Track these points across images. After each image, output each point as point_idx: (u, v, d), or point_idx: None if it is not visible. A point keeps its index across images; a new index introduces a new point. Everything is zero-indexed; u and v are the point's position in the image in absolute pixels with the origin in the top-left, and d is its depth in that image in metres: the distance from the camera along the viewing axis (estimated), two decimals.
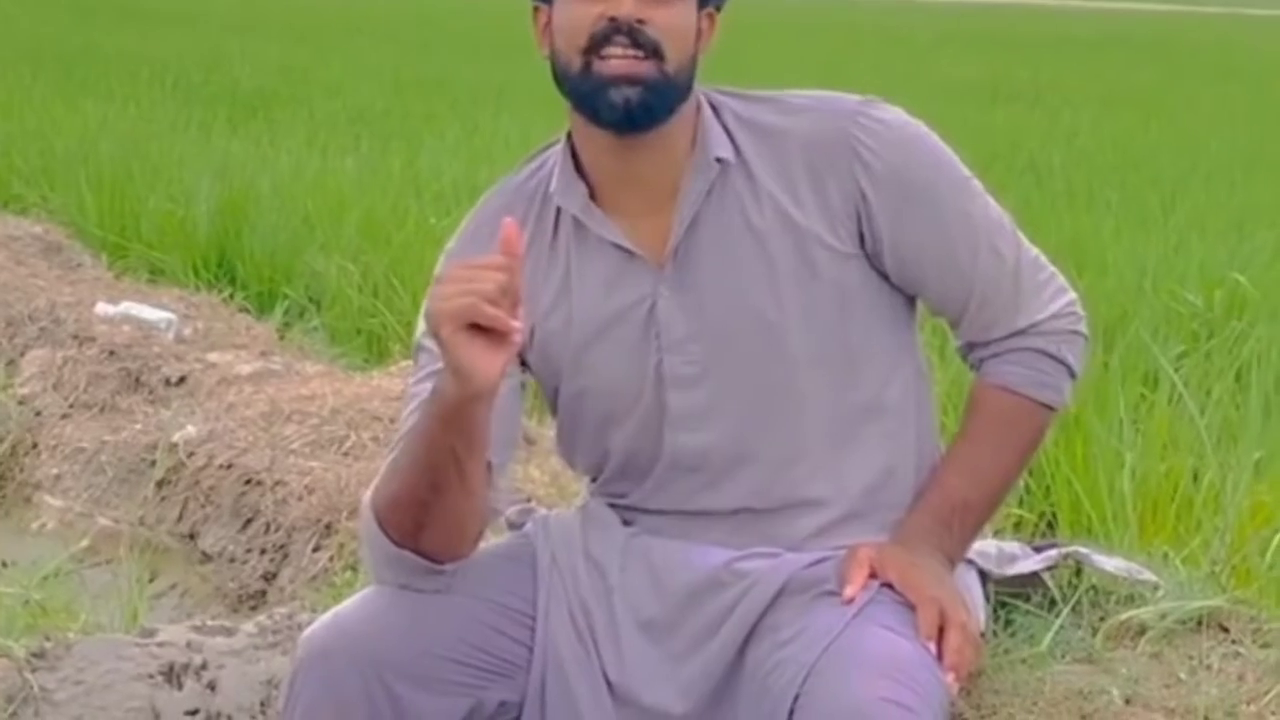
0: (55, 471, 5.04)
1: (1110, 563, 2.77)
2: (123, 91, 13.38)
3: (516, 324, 2.04)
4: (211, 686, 2.97)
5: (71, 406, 5.31)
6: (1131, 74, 21.95)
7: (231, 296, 7.02)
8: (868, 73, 18.09)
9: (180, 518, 4.63)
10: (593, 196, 2.33)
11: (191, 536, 4.57)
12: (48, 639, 2.99)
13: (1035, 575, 2.68)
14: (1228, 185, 10.41)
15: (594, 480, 2.46)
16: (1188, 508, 4.25)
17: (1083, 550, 2.77)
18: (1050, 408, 2.37)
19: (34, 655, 2.92)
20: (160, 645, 3.01)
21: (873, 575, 2.23)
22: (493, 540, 2.47)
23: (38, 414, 5.30)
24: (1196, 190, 10.13)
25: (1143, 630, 2.67)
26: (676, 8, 2.24)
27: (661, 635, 2.30)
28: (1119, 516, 4.15)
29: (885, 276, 2.33)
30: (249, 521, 4.41)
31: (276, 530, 4.30)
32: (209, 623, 3.18)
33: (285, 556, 4.24)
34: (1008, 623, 2.63)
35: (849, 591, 2.21)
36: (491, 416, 2.18)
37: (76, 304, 6.13)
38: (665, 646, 2.29)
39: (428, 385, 2.21)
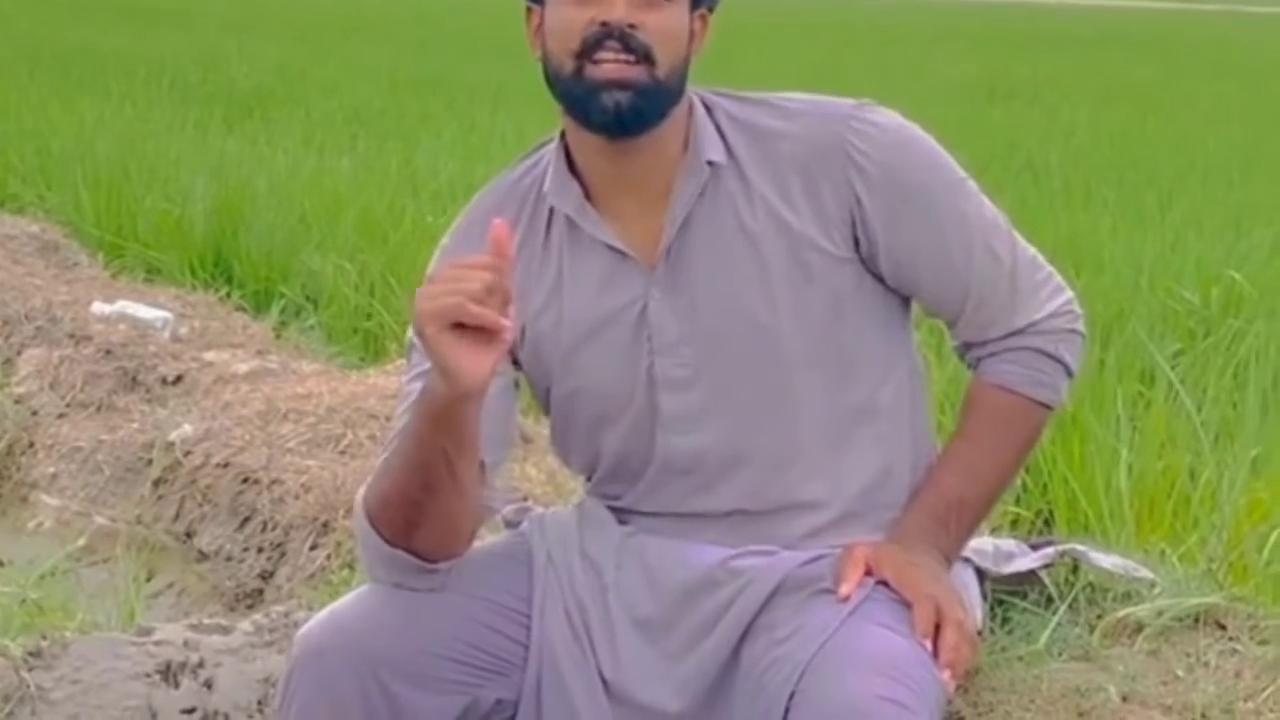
0: (52, 470, 5.04)
1: (1107, 560, 2.77)
2: (119, 91, 13.37)
3: (506, 322, 2.04)
4: (208, 685, 2.97)
5: (68, 405, 5.30)
6: (1129, 71, 21.95)
7: (228, 295, 7.02)
8: (864, 71, 18.10)
9: (177, 516, 4.63)
10: (587, 196, 2.32)
11: (188, 535, 4.57)
12: (44, 638, 2.99)
13: (1032, 573, 2.67)
14: (1225, 183, 10.41)
15: (589, 479, 2.46)
16: (1185, 505, 4.25)
17: (1080, 548, 2.77)
18: (1047, 406, 2.37)
19: (30, 654, 2.92)
20: (157, 644, 3.01)
21: (868, 573, 2.23)
22: (489, 539, 2.47)
23: (34, 413, 5.30)
24: (1194, 188, 10.14)
25: (1140, 627, 2.67)
26: (668, 11, 2.24)
27: (657, 633, 2.30)
28: (1116, 514, 4.15)
29: (880, 279, 2.33)
30: (246, 520, 4.41)
31: (273, 529, 4.30)
32: (206, 621, 3.18)
33: (282, 555, 4.24)
34: (1005, 620, 2.63)
35: (845, 589, 2.20)
36: (484, 415, 2.18)
37: (73, 303, 6.13)
38: (660, 645, 2.29)
39: (420, 384, 2.20)
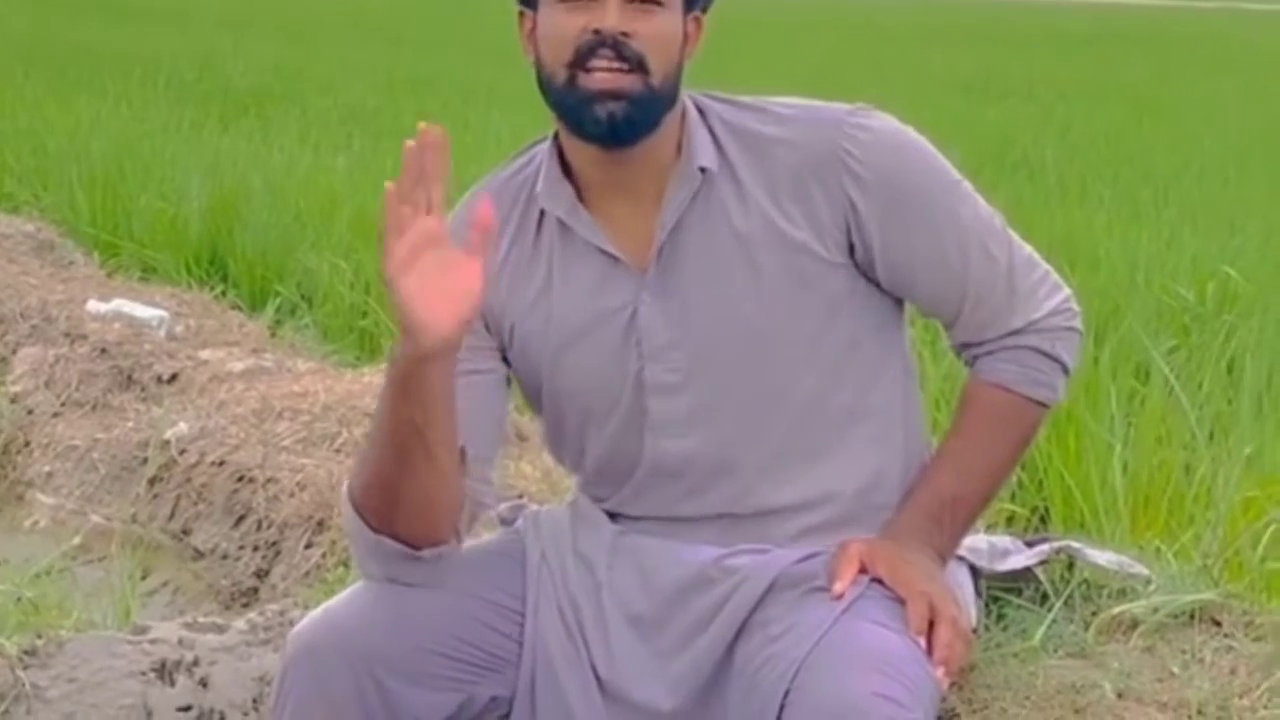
0: (47, 469, 5.04)
1: (1102, 557, 2.77)
2: (115, 90, 13.38)
3: (436, 224, 2.06)
4: (204, 683, 2.97)
5: (63, 404, 5.31)
6: (1124, 69, 21.96)
7: (223, 294, 7.03)
8: (859, 69, 18.12)
9: (172, 515, 4.63)
10: (580, 198, 2.32)
11: (184, 534, 4.57)
12: (40, 636, 2.99)
13: (1027, 570, 2.67)
14: (1220, 180, 10.42)
15: (580, 479, 2.45)
16: (1179, 501, 4.25)
17: (1075, 544, 2.77)
18: (1044, 405, 2.36)
19: (26, 653, 2.92)
20: (152, 642, 3.01)
21: (863, 570, 2.23)
22: (484, 536, 2.47)
23: (30, 412, 5.31)
24: (1189, 185, 10.15)
25: (1135, 624, 2.67)
26: (661, 17, 2.22)
27: (650, 631, 2.30)
28: (1111, 511, 4.15)
29: (875, 283, 2.32)
30: (241, 518, 4.41)
31: (268, 527, 4.30)
32: (201, 620, 3.18)
33: (277, 553, 4.24)
34: (1000, 617, 2.63)
35: (839, 587, 2.20)
36: (473, 407, 2.18)
37: (68, 302, 6.14)
38: (654, 643, 2.29)
39: None
